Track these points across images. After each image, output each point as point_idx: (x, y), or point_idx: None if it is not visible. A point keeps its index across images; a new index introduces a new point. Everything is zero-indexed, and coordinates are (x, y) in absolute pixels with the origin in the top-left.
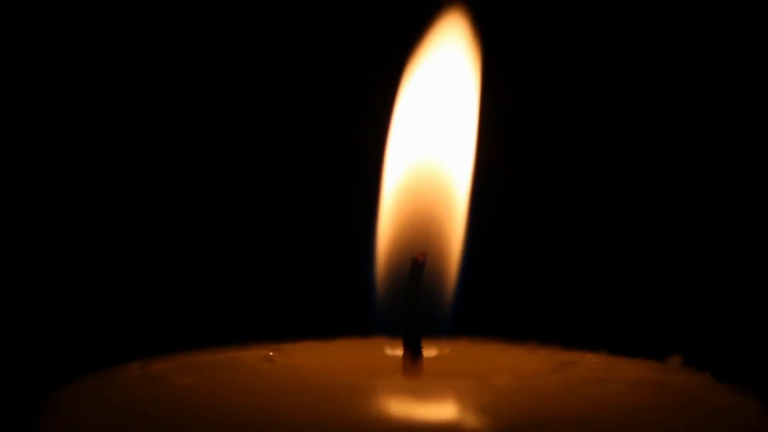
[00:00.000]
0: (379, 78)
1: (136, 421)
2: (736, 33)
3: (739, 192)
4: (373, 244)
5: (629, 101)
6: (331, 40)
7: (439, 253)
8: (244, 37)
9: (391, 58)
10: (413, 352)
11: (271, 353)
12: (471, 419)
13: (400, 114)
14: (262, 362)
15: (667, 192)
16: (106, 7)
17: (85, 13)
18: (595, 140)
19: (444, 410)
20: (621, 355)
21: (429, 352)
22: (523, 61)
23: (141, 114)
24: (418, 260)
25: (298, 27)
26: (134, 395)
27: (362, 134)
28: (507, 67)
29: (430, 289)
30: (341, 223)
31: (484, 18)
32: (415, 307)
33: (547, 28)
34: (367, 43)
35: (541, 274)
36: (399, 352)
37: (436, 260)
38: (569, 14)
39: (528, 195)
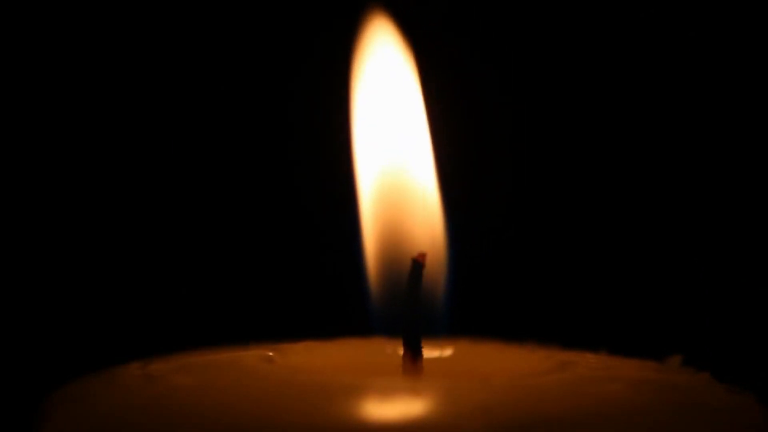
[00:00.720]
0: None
1: (136, 421)
2: (724, 29)
3: (738, 192)
4: (370, 245)
5: (633, 94)
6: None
7: (426, 251)
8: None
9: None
10: (413, 352)
11: (271, 353)
12: (471, 419)
13: (358, 120)
14: (262, 362)
15: (666, 192)
16: (99, 7)
17: (84, 13)
18: (594, 140)
19: (444, 410)
20: (621, 355)
21: (429, 352)
22: (469, 53)
23: (141, 115)
24: (418, 261)
25: (262, 30)
26: (134, 395)
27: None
28: (453, 62)
29: (425, 289)
30: (341, 223)
31: (412, 15)
32: (415, 308)
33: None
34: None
35: (541, 274)
36: (399, 352)
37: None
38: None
39: (528, 195)
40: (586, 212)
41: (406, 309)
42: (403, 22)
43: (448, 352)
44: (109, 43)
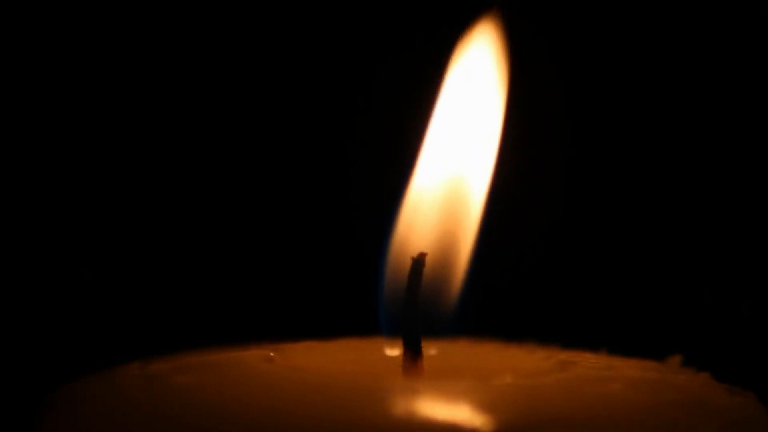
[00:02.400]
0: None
1: (136, 421)
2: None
3: (739, 192)
4: (374, 245)
5: (629, 101)
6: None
7: (445, 255)
8: (267, 41)
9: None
10: (413, 352)
11: (271, 353)
12: (471, 419)
13: (435, 125)
14: (262, 362)
15: (666, 192)
16: (113, 8)
17: (85, 13)
18: (592, 138)
19: (444, 410)
20: (621, 355)
21: (429, 352)
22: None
23: (140, 114)
24: (417, 260)
25: (334, 31)
26: (134, 395)
27: (367, 138)
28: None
29: (434, 292)
30: (341, 223)
31: (516, 30)
32: (415, 307)
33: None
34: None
35: (541, 274)
36: (399, 352)
37: (442, 263)
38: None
39: (527, 194)
40: (586, 212)
41: (405, 308)
42: (508, 38)
43: (448, 352)
44: (133, 43)
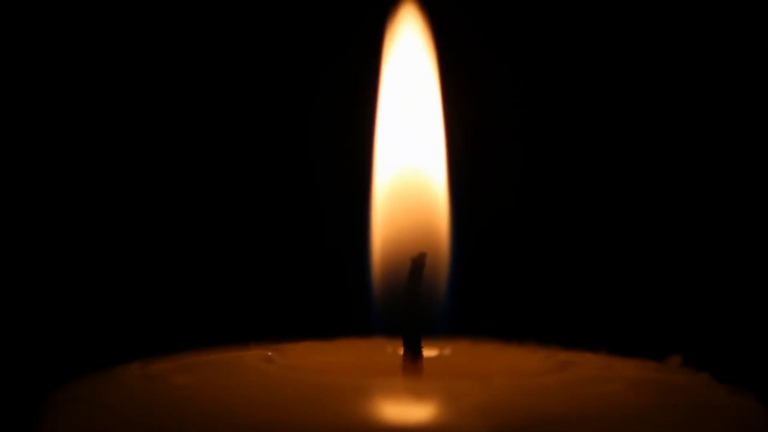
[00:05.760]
0: (366, 77)
1: (136, 421)
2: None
3: (738, 192)
4: (371, 244)
5: (636, 97)
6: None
7: (434, 253)
8: (229, 41)
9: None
10: (413, 352)
11: (270, 353)
12: (471, 419)
13: (383, 118)
14: (262, 362)
15: (666, 192)
16: (103, 7)
17: (85, 13)
18: (594, 137)
19: (444, 410)
20: (621, 355)
21: (429, 352)
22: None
23: (140, 114)
24: (417, 260)
25: (280, 33)
26: (134, 395)
27: (357, 135)
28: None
29: (426, 290)
30: (341, 223)
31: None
32: (415, 307)
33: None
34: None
35: (541, 274)
36: (399, 352)
37: (431, 260)
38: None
39: (527, 194)
40: (586, 212)
41: (406, 309)
42: (431, 18)
43: (448, 352)
44: (120, 40)
